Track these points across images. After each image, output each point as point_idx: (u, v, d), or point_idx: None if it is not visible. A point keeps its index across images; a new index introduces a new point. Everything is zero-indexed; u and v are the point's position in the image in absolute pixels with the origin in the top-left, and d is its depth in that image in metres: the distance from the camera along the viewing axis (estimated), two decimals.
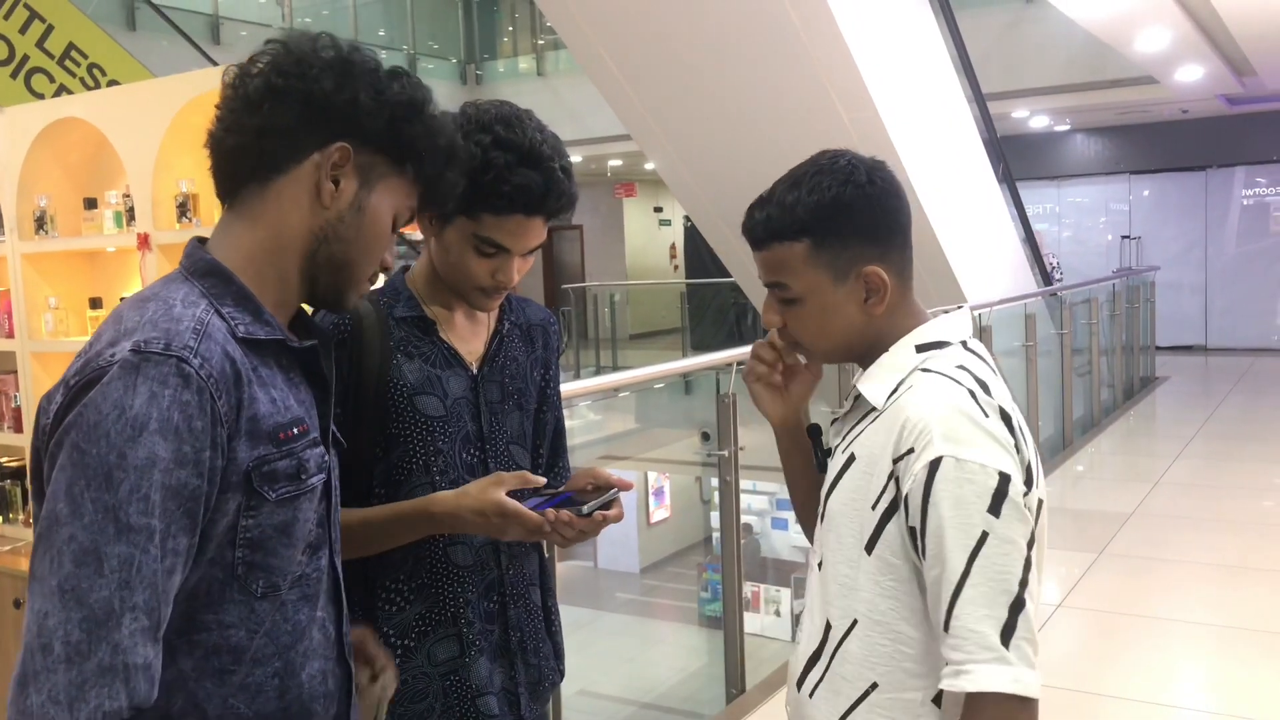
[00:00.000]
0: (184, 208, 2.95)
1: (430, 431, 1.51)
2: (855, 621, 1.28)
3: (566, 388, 1.82)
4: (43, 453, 1.03)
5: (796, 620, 6.62)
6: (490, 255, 1.48)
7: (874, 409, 1.31)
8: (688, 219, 12.29)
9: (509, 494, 1.42)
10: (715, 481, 4.07)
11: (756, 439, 3.81)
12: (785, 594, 7.00)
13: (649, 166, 12.12)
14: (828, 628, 1.32)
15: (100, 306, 3.26)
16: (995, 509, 1.18)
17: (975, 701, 1.17)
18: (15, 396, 3.41)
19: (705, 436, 4.45)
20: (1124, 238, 14.29)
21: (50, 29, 5.12)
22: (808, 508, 1.49)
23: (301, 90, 1.11)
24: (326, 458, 1.17)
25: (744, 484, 3.97)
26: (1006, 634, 1.16)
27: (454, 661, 1.52)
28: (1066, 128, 14.30)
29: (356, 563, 1.50)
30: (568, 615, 1.74)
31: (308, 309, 1.24)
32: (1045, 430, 7.43)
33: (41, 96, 4.95)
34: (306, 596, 1.15)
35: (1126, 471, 7.51)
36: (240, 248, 1.13)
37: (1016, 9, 11.15)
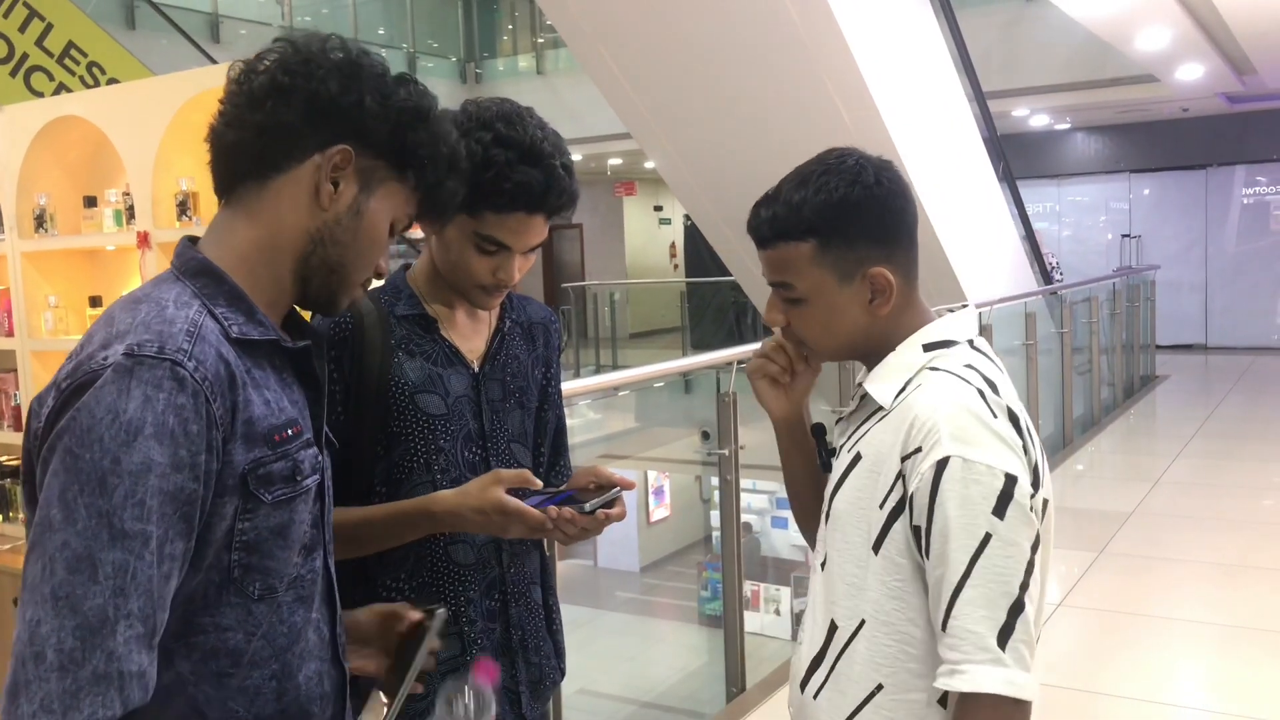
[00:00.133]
0: (184, 206, 2.94)
1: (432, 430, 1.51)
2: (863, 622, 1.27)
3: (566, 387, 1.81)
4: (34, 456, 1.02)
5: (796, 619, 6.62)
6: (491, 253, 1.48)
7: (880, 408, 1.31)
8: (688, 218, 12.30)
9: (509, 492, 1.42)
10: (715, 480, 4.07)
11: (757, 438, 3.81)
12: (785, 593, 6.99)
13: (649, 165, 12.11)
14: (832, 628, 1.31)
15: (100, 305, 3.26)
16: (1000, 511, 1.18)
17: (969, 701, 1.18)
18: (15, 395, 3.41)
19: (705, 435, 4.45)
20: (1124, 236, 14.29)
21: (49, 27, 5.12)
22: (808, 508, 1.49)
23: (306, 90, 1.10)
24: (320, 459, 1.16)
25: (744, 483, 3.97)
26: (1004, 636, 1.16)
27: (455, 660, 1.51)
28: (1067, 126, 14.30)
29: (357, 561, 1.50)
30: (567, 614, 1.74)
31: (306, 315, 1.23)
32: (1045, 429, 7.43)
33: (41, 95, 4.95)
34: (302, 598, 1.14)
35: (1126, 470, 7.51)
36: (234, 246, 1.12)
37: (1017, 7, 11.15)
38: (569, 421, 1.77)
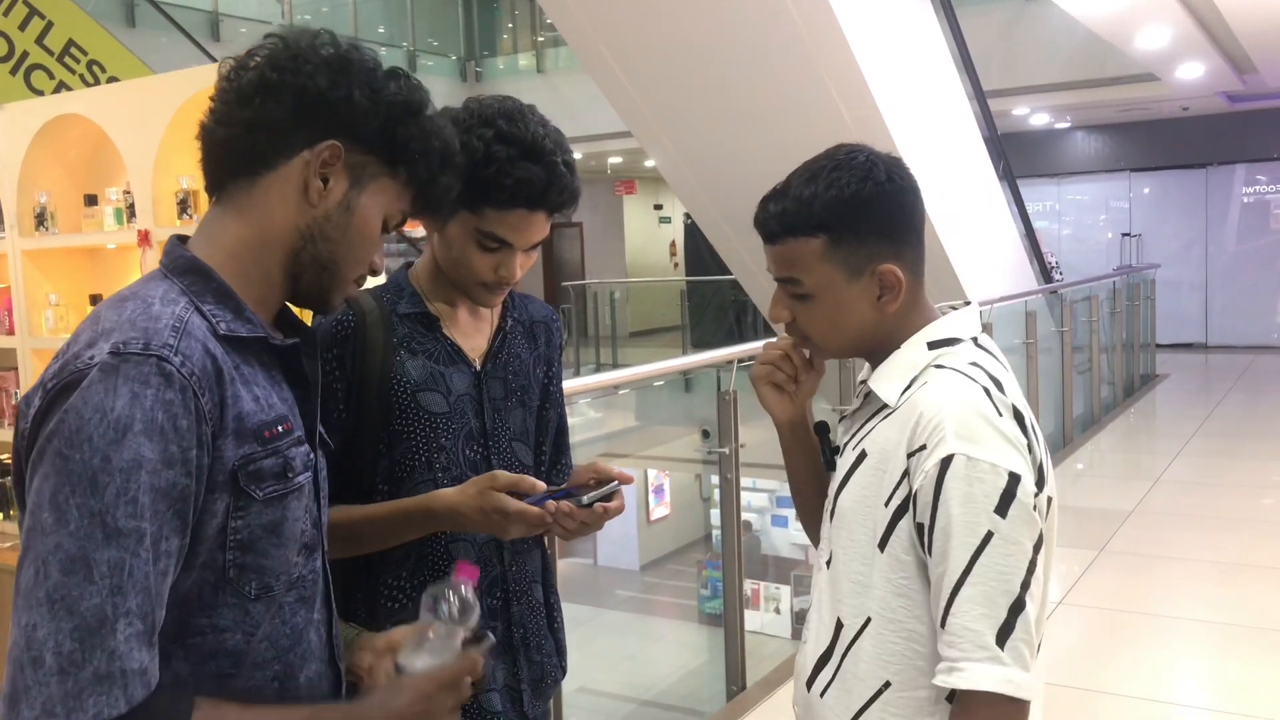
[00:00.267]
0: (184, 204, 2.94)
1: (433, 428, 1.51)
2: (869, 620, 1.27)
3: (567, 385, 1.81)
4: (23, 458, 1.01)
5: (797, 618, 6.62)
6: (493, 250, 1.48)
7: (885, 406, 1.31)
8: (688, 216, 12.30)
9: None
10: (715, 479, 4.07)
11: (757, 436, 3.81)
12: (785, 591, 6.99)
13: (649, 164, 12.11)
14: (839, 626, 1.31)
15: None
16: (1003, 510, 1.18)
17: (966, 699, 1.18)
18: (15, 393, 3.41)
19: (705, 434, 4.45)
20: (1124, 235, 14.29)
21: (50, 25, 5.12)
22: (810, 506, 1.48)
23: (294, 86, 1.09)
24: (312, 457, 1.15)
25: (744, 481, 3.97)
26: (1003, 634, 1.16)
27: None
28: (1067, 125, 14.30)
29: (359, 560, 1.50)
30: (568, 612, 1.74)
31: (308, 318, 1.23)
32: (1046, 428, 7.42)
33: (41, 93, 4.95)
34: (304, 599, 1.14)
35: (1127, 469, 7.52)
36: (224, 243, 1.12)
37: (1017, 6, 11.14)
38: (569, 420, 1.78)
